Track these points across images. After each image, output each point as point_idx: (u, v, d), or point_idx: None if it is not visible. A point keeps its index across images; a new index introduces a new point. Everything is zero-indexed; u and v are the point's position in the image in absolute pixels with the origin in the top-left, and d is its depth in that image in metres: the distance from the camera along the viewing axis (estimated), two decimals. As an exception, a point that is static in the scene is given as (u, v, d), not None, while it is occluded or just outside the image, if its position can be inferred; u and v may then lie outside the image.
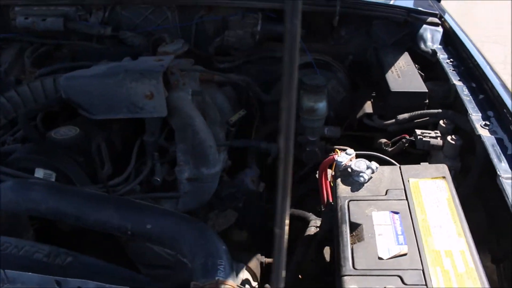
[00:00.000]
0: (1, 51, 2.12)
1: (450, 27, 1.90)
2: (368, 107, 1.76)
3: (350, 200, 1.23)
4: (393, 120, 1.67)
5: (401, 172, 1.30)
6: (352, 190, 1.26)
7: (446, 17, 1.98)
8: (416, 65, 1.85)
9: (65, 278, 1.00)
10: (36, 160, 1.46)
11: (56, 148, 1.53)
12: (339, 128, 1.79)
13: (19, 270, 1.03)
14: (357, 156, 1.35)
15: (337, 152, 1.34)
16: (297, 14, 0.51)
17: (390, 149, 1.65)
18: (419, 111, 1.63)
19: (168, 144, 1.72)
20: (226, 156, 1.77)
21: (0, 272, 1.02)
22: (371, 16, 1.99)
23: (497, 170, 1.25)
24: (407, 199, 1.22)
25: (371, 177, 1.28)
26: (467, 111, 1.47)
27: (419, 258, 1.07)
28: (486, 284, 0.99)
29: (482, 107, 1.48)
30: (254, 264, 1.55)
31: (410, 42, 1.98)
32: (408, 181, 1.27)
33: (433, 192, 1.23)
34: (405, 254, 1.08)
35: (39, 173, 1.42)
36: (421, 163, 1.34)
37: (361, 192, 1.26)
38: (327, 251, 1.57)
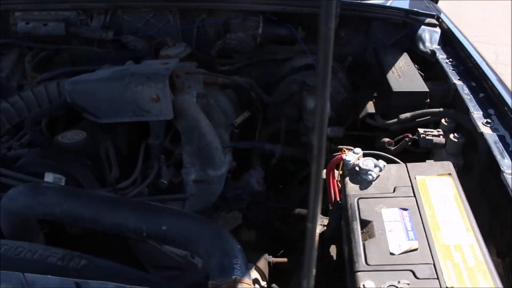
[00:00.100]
0: (1, 56, 2.12)
1: (448, 28, 1.94)
2: (370, 107, 1.79)
3: (360, 198, 1.26)
4: (395, 120, 1.70)
5: (407, 169, 1.33)
6: (361, 188, 1.29)
7: (443, 17, 2.02)
8: (416, 65, 1.88)
9: (85, 280, 1.01)
10: (45, 164, 1.46)
11: (64, 152, 1.53)
12: (341, 128, 1.82)
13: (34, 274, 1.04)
14: (364, 156, 1.38)
15: (344, 151, 1.37)
16: (331, 18, 0.54)
17: (393, 148, 1.68)
18: (421, 110, 1.66)
19: (173, 147, 1.73)
20: (231, 158, 1.79)
21: (20, 275, 1.03)
22: (370, 17, 2.02)
23: (500, 166, 1.29)
24: (414, 196, 1.25)
25: (378, 175, 1.31)
26: (469, 110, 1.51)
27: (430, 253, 1.09)
28: (496, 277, 1.02)
29: (483, 105, 1.52)
30: (263, 263, 1.57)
31: (408, 42, 2.02)
32: (415, 178, 1.30)
33: (439, 188, 1.26)
34: (416, 249, 1.11)
35: (49, 177, 1.43)
36: (426, 161, 1.37)
37: (370, 190, 1.29)
38: (332, 250, 1.60)
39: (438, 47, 1.89)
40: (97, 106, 1.63)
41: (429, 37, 1.93)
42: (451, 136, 1.52)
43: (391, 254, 1.11)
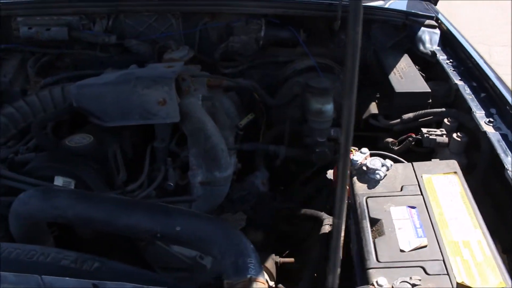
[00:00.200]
0: (3, 61, 2.12)
1: (447, 29, 1.97)
2: (373, 108, 1.82)
3: (368, 197, 1.28)
4: (398, 120, 1.73)
5: (414, 168, 1.36)
6: (369, 187, 1.31)
7: (442, 19, 2.06)
8: (416, 66, 1.91)
9: (102, 281, 1.02)
10: (54, 168, 1.47)
11: (72, 155, 1.54)
12: (345, 129, 1.84)
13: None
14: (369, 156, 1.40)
15: (351, 151, 1.39)
16: (359, 22, 0.56)
17: (396, 148, 1.71)
18: (424, 111, 1.69)
19: (179, 150, 1.75)
20: (236, 160, 1.80)
21: (37, 277, 1.04)
22: (371, 19, 2.05)
23: (504, 164, 1.32)
24: (422, 194, 1.27)
25: (385, 174, 1.34)
26: (471, 109, 1.54)
27: (439, 249, 1.12)
28: (505, 272, 1.05)
29: (485, 105, 1.55)
30: (270, 264, 1.59)
31: (408, 44, 2.05)
32: (422, 177, 1.33)
33: (446, 186, 1.29)
34: (425, 246, 1.13)
35: (59, 181, 1.44)
36: (432, 160, 1.40)
37: (378, 189, 1.31)
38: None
39: (438, 48, 1.93)
40: (103, 110, 1.64)
41: (429, 39, 1.96)
42: (454, 135, 1.55)
43: (401, 251, 1.13)
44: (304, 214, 1.70)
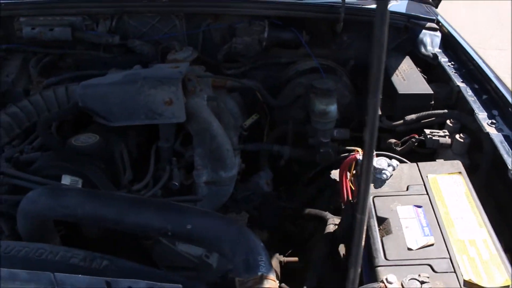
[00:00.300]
0: (5, 62, 2.12)
1: (448, 32, 2.00)
2: (376, 109, 1.84)
3: (375, 196, 1.30)
4: (401, 121, 1.75)
5: (419, 168, 1.38)
6: (375, 187, 1.33)
7: (442, 22, 2.09)
8: (418, 68, 1.94)
9: (115, 279, 1.03)
10: (61, 167, 1.47)
11: (78, 155, 1.55)
12: (348, 130, 1.87)
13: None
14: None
15: (358, 151, 1.41)
16: (385, 22, 0.57)
17: (399, 149, 1.73)
18: (426, 112, 1.72)
19: (184, 149, 1.76)
20: (240, 160, 1.82)
21: (50, 275, 1.04)
22: (373, 22, 2.07)
23: (507, 165, 1.34)
24: (427, 193, 1.29)
25: (391, 174, 1.35)
26: (473, 111, 1.56)
27: (446, 248, 1.14)
28: (510, 269, 1.07)
29: (487, 106, 1.57)
30: (275, 263, 1.60)
31: (409, 46, 2.08)
32: (427, 177, 1.35)
33: (451, 186, 1.31)
34: (432, 245, 1.15)
35: (66, 179, 1.44)
36: (436, 160, 1.42)
37: (384, 189, 1.33)
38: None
39: (439, 50, 1.95)
40: (109, 110, 1.64)
41: (430, 41, 1.99)
42: (457, 136, 1.57)
43: (409, 249, 1.15)
44: (308, 214, 1.72)
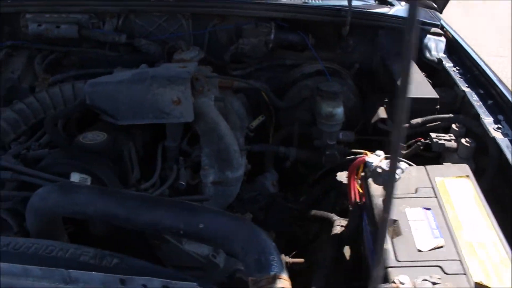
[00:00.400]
0: (10, 58, 2.11)
1: (453, 37, 2.02)
2: (382, 112, 1.86)
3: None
4: (407, 125, 1.77)
5: (427, 171, 1.39)
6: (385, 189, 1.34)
7: (446, 27, 2.11)
8: (423, 73, 1.96)
9: (130, 276, 1.03)
10: (70, 164, 1.47)
11: (87, 153, 1.55)
12: (353, 133, 1.89)
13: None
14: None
15: (366, 153, 1.42)
16: (414, 24, 0.58)
17: (404, 152, 1.74)
18: (432, 116, 1.73)
19: (191, 149, 1.76)
20: (246, 160, 1.82)
21: (63, 271, 1.04)
22: (377, 26, 2.10)
23: (514, 169, 1.36)
24: (436, 196, 1.31)
25: (400, 177, 1.37)
26: (479, 116, 1.58)
27: (456, 250, 1.15)
28: (520, 272, 1.09)
29: (492, 111, 1.59)
30: (281, 264, 1.60)
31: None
32: (435, 180, 1.36)
33: (459, 190, 1.33)
34: (442, 247, 1.16)
35: (75, 177, 1.44)
36: (444, 163, 1.44)
37: (393, 191, 1.34)
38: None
39: (444, 55, 1.98)
40: (117, 108, 1.65)
41: (435, 46, 2.01)
42: (463, 140, 1.59)
43: (419, 251, 1.16)
44: (314, 215, 1.72)
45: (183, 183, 1.69)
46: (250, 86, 1.96)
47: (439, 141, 1.63)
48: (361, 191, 1.51)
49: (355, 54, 2.20)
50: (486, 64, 1.82)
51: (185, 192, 1.71)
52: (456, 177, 1.37)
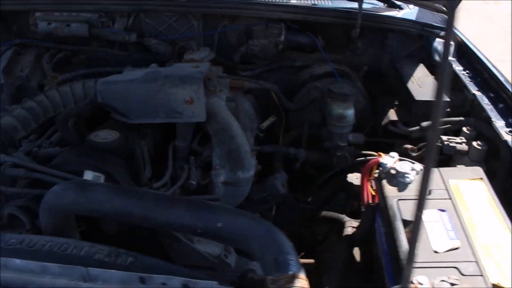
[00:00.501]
0: (19, 56, 2.10)
1: (462, 41, 2.04)
2: (392, 115, 1.86)
3: (399, 199, 1.32)
4: (418, 127, 1.78)
5: (440, 174, 1.40)
6: (399, 190, 1.35)
7: (455, 31, 2.12)
8: (433, 76, 1.97)
9: (150, 275, 1.03)
10: (83, 162, 1.47)
11: (99, 151, 1.54)
12: (362, 135, 1.89)
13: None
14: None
15: (380, 155, 1.43)
16: (453, 23, 0.58)
17: (415, 154, 1.75)
18: (443, 119, 1.74)
19: (201, 149, 1.76)
20: (256, 161, 1.82)
21: (82, 269, 1.04)
22: (387, 29, 2.11)
23: (527, 172, 1.37)
24: (450, 198, 1.31)
25: (414, 178, 1.37)
26: (490, 119, 1.59)
27: (472, 252, 1.16)
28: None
29: (504, 115, 1.60)
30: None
31: (422, 54, 2.11)
32: (448, 182, 1.37)
33: (473, 192, 1.33)
34: (457, 248, 1.17)
35: (88, 175, 1.43)
36: (457, 166, 1.44)
37: (407, 192, 1.35)
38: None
39: (453, 59, 1.99)
40: (128, 107, 1.65)
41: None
42: (475, 143, 1.60)
43: (435, 252, 1.17)
44: (324, 216, 1.73)
45: (194, 182, 1.69)
46: (261, 86, 1.97)
47: (450, 144, 1.64)
48: (373, 192, 1.52)
49: (364, 57, 2.21)
50: (495, 68, 1.83)
51: (196, 191, 1.71)
52: (470, 179, 1.38)
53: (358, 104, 2.02)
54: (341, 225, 1.66)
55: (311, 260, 1.65)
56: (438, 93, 0.61)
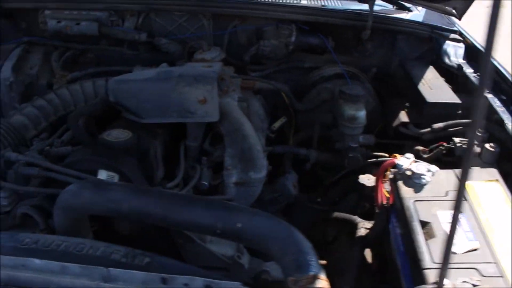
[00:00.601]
0: (27, 54, 2.09)
1: (471, 43, 2.04)
2: (403, 116, 1.86)
3: (416, 200, 1.32)
4: (429, 129, 1.78)
5: (456, 175, 1.40)
6: (415, 192, 1.35)
7: (464, 33, 2.13)
8: (443, 78, 1.98)
9: (172, 275, 1.02)
10: (97, 161, 1.46)
11: (112, 150, 1.53)
12: (372, 136, 1.89)
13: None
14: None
15: (396, 156, 1.43)
16: (497, 22, 0.58)
17: (426, 156, 1.75)
18: (455, 121, 1.74)
19: (213, 149, 1.76)
20: (267, 162, 1.82)
21: (103, 269, 1.03)
22: (397, 31, 2.11)
23: (540, 174, 1.37)
24: (467, 200, 1.32)
25: (430, 180, 1.37)
26: (503, 121, 1.60)
27: (491, 253, 1.16)
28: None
29: (516, 117, 1.61)
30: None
31: (432, 56, 2.11)
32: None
33: (490, 193, 1.34)
34: (476, 249, 1.17)
35: (102, 174, 1.42)
36: (472, 167, 1.44)
37: (423, 193, 1.35)
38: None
39: (463, 61, 1.99)
40: (141, 106, 1.64)
41: (454, 52, 2.03)
42: (487, 145, 1.60)
43: (454, 253, 1.17)
44: (337, 217, 1.73)
45: (205, 183, 1.68)
46: (273, 87, 1.96)
47: (463, 146, 1.64)
48: (387, 194, 1.52)
49: (373, 58, 2.21)
50: (507, 71, 1.84)
51: (207, 192, 1.71)
52: (486, 181, 1.38)
53: (368, 105, 2.02)
54: (353, 226, 1.65)
55: (324, 262, 1.64)
56: (479, 92, 0.61)
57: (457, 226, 0.70)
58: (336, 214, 1.74)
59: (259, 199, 1.78)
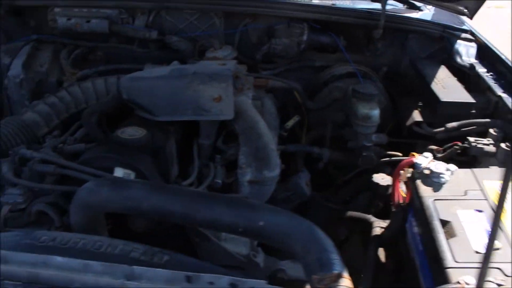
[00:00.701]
0: (36, 52, 2.08)
1: (483, 43, 2.04)
2: (416, 116, 1.86)
3: (435, 199, 1.31)
4: (443, 128, 1.78)
5: (474, 174, 1.40)
6: (434, 191, 1.34)
7: (476, 33, 2.13)
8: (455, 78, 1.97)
9: (196, 274, 1.01)
10: (113, 159, 1.45)
11: (127, 148, 1.52)
12: (385, 135, 1.89)
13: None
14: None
15: (414, 155, 1.42)
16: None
17: (440, 155, 1.74)
18: (469, 120, 1.74)
19: (226, 147, 1.75)
20: (280, 160, 1.81)
21: (126, 267, 1.02)
22: (409, 30, 2.11)
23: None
24: (486, 199, 1.31)
25: (448, 179, 1.37)
26: (518, 121, 1.60)
27: (512, 252, 1.16)
28: None
29: (531, 117, 1.61)
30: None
31: (443, 56, 2.11)
32: (483, 182, 1.37)
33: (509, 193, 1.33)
34: (499, 249, 1.17)
35: (119, 172, 1.41)
36: (490, 167, 1.44)
37: (442, 192, 1.34)
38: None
39: (476, 61, 1.99)
40: (155, 104, 1.63)
41: (466, 51, 2.03)
42: (503, 145, 1.60)
43: (476, 252, 1.16)
44: (351, 216, 1.72)
45: (219, 181, 1.67)
46: (286, 85, 1.96)
47: (478, 145, 1.64)
48: (403, 194, 1.51)
49: (383, 57, 2.21)
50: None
51: (220, 190, 1.70)
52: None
53: (380, 104, 2.01)
54: (368, 225, 1.65)
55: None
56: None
57: (498, 230, 0.69)
58: (350, 213, 1.74)
59: (272, 198, 1.77)
